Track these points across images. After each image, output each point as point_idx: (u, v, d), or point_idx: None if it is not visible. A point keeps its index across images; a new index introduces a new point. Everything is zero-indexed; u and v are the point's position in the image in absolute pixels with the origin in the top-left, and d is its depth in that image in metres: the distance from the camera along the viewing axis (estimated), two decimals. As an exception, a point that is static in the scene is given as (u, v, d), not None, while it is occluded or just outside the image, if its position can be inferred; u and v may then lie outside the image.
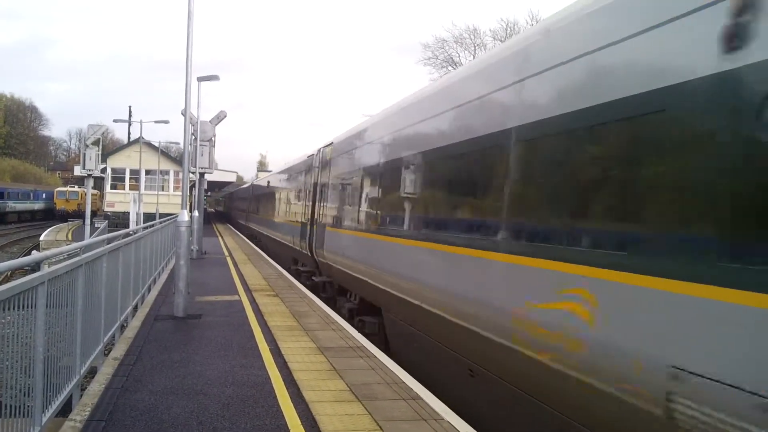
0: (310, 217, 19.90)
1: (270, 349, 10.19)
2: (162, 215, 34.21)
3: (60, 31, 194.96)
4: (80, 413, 6.99)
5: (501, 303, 7.03)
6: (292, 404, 7.44)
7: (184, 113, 14.48)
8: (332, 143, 18.02)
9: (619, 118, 5.41)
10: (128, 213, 44.51)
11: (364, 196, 13.65)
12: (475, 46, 55.55)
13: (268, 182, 35.95)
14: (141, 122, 43.07)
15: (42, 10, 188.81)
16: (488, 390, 7.73)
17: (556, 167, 6.38)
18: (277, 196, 30.66)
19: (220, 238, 41.75)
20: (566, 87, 6.34)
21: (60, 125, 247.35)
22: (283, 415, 7.04)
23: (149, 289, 16.28)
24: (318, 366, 9.28)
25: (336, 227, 16.10)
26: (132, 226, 32.17)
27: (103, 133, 37.31)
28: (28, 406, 5.78)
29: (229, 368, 8.98)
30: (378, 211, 12.53)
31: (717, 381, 4.21)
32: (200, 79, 25.37)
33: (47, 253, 8.87)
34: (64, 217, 65.00)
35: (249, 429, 6.62)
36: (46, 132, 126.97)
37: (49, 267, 6.46)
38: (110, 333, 10.09)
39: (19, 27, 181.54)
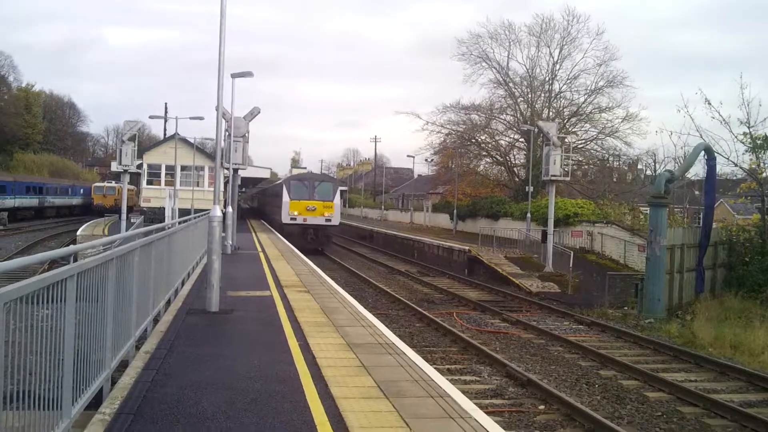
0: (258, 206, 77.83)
1: (299, 345, 10.21)
2: (197, 211, 34.48)
3: (97, 31, 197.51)
4: (110, 406, 7.05)
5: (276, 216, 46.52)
6: (319, 400, 7.44)
7: (217, 109, 14.53)
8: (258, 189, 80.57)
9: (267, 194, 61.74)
10: (164, 208, 44.99)
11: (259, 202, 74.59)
12: (510, 42, 55.19)
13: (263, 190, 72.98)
14: (176, 119, 43.33)
15: (79, 12, 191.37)
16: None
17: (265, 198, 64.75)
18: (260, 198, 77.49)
19: (253, 233, 41.98)
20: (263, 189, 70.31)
21: (98, 122, 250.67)
22: (310, 411, 7.04)
23: (183, 284, 16.41)
24: (346, 362, 9.28)
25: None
26: (167, 221, 32.48)
27: (139, 129, 37.77)
28: (59, 399, 5.84)
29: (258, 363, 9.01)
30: (259, 205, 74.99)
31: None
32: (234, 76, 25.48)
33: (83, 245, 8.98)
34: (101, 212, 65.80)
35: (276, 424, 6.63)
36: (84, 128, 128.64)
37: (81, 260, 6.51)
38: (142, 327, 10.17)
39: (58, 28, 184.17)
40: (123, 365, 8.72)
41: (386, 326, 19.02)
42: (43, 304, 5.39)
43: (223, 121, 28.50)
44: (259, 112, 28.77)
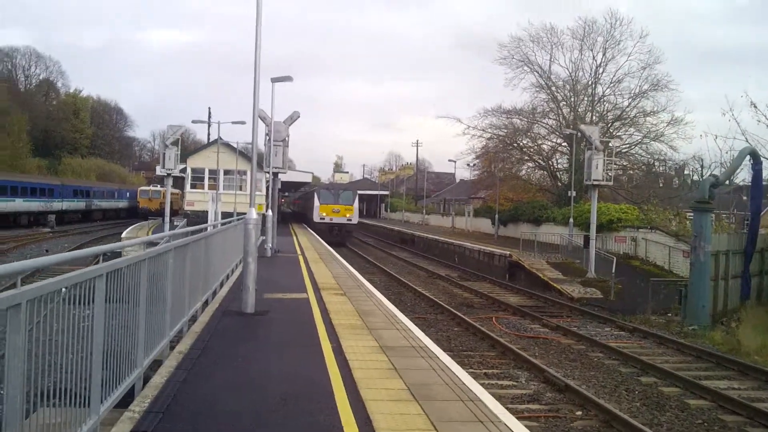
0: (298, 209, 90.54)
1: (332, 348, 10.19)
2: (239, 214, 34.73)
3: (143, 34, 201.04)
4: (139, 404, 7.11)
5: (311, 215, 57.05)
6: (348, 402, 7.41)
7: (253, 114, 14.61)
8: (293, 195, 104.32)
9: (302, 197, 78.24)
10: (207, 212, 45.52)
11: (298, 206, 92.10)
12: (552, 45, 54.65)
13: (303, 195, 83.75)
14: (219, 123, 43.99)
15: (126, 15, 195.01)
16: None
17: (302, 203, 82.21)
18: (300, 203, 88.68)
19: (294, 237, 42.25)
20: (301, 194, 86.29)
21: (144, 126, 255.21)
22: (337, 413, 7.01)
23: (222, 285, 16.53)
24: (378, 365, 9.24)
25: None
26: (209, 224, 32.79)
27: (182, 133, 38.23)
28: (87, 396, 5.90)
29: (289, 364, 9.02)
30: (298, 208, 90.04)
31: None
32: (274, 80, 25.66)
33: (127, 242, 9.10)
34: (146, 215, 66.81)
35: (302, 425, 6.61)
36: (131, 133, 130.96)
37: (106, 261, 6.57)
38: (177, 327, 10.25)
39: (105, 31, 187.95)
40: (158, 364, 8.82)
41: (423, 330, 19.00)
42: (71, 303, 5.45)
43: (264, 125, 28.78)
44: (298, 117, 28.87)
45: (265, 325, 12.02)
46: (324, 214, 52.06)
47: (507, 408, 11.26)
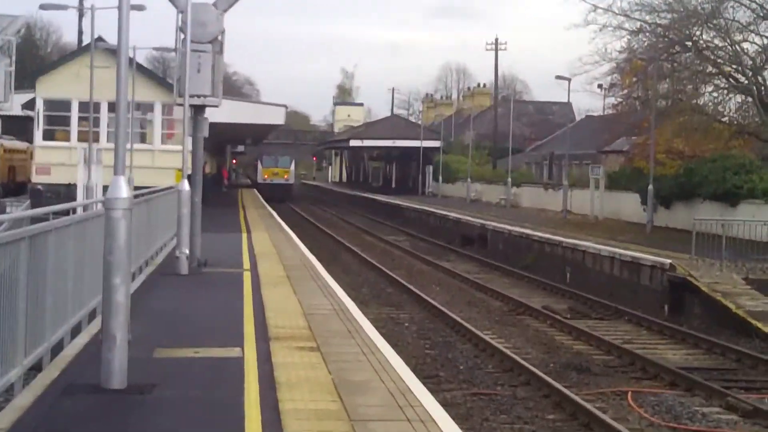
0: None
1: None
2: (140, 188, 34.55)
3: None
4: None
5: None
6: None
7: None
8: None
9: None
10: (75, 185, 45.38)
11: (249, 170, 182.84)
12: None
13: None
14: (93, 8, 43.52)
15: None
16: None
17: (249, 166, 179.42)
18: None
19: (244, 233, 42.25)
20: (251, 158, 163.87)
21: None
22: None
23: (72, 334, 16.34)
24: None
25: None
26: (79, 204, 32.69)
27: (19, 30, 38.04)
28: None
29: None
30: (250, 172, 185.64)
31: None
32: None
33: None
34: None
35: None
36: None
37: None
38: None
39: None
40: None
41: (480, 420, 18.89)
42: None
43: (176, 12, 28.57)
44: (243, -6, 28.69)
45: (140, 416, 11.78)
46: (266, 177, 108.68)
47: None
